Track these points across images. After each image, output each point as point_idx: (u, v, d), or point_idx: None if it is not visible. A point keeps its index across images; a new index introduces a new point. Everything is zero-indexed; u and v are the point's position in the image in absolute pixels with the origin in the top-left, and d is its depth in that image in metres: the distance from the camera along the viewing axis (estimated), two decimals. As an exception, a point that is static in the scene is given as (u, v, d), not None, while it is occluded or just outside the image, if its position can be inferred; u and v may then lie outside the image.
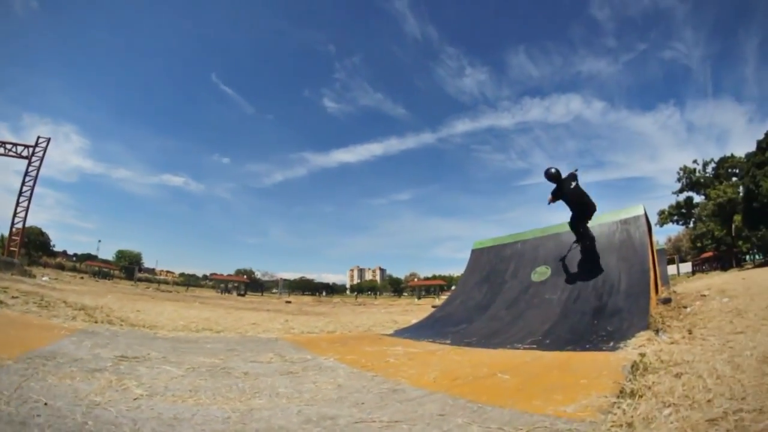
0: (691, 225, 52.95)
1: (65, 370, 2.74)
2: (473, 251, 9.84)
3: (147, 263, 75.79)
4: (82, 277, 42.67)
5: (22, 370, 2.59)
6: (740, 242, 47.22)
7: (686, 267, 48.64)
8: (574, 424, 1.97)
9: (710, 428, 1.79)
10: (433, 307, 10.59)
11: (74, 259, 66.52)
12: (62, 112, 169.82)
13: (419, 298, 58.25)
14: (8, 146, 37.62)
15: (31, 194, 37.87)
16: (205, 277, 76.30)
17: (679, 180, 49.00)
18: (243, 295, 48.63)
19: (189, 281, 66.47)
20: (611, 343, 4.24)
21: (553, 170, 7.16)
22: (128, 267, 61.83)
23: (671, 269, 35.62)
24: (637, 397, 2.32)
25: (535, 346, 4.76)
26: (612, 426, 1.94)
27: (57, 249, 67.26)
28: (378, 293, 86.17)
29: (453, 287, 10.69)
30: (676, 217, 51.01)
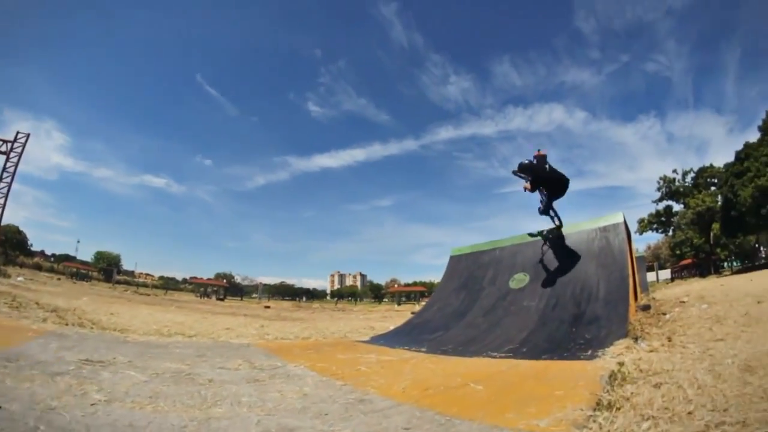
0: (671, 233, 54.23)
1: (25, 373, 2.72)
2: (451, 258, 9.83)
3: (126, 265, 74.22)
4: (59, 278, 41.19)
5: (-18, 372, 2.56)
6: (718, 249, 48.49)
7: (665, 274, 49.78)
8: (546, 440, 1.86)
9: (692, 444, 1.70)
10: (412, 313, 10.52)
11: (52, 259, 64.19)
12: (44, 107, 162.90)
13: (399, 304, 58.11)
14: (-15, 141, 36.42)
15: (9, 191, 36.66)
16: (184, 280, 74.46)
17: (658, 189, 50.12)
18: (222, 300, 47.91)
19: (168, 285, 64.59)
20: (589, 352, 4.18)
21: (525, 162, 7.34)
22: (106, 269, 60.26)
23: (650, 276, 36.30)
24: (614, 409, 2.22)
25: (511, 354, 4.70)
26: (587, 442, 1.83)
27: (35, 249, 65.42)
28: (358, 299, 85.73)
29: (433, 293, 10.67)
30: (655, 225, 52.06)
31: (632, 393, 2.48)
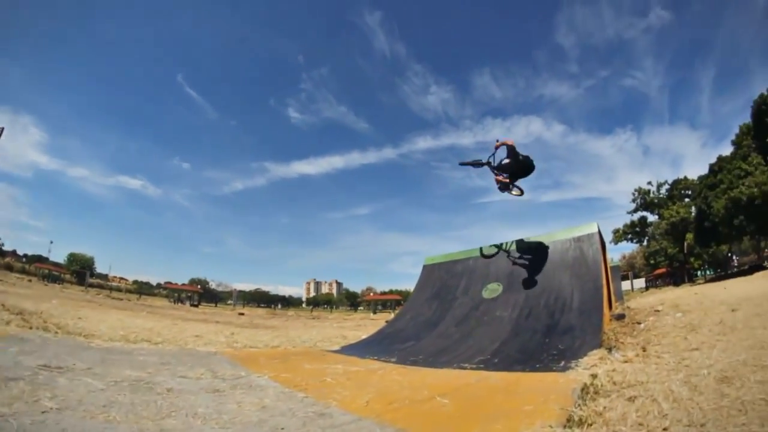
0: (645, 243, 55.54)
1: (-22, 378, 2.66)
2: (425, 267, 9.79)
3: (100, 268, 72.85)
4: (30, 280, 40.37)
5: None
6: (692, 259, 49.82)
7: (640, 282, 50.90)
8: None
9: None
10: (387, 322, 10.41)
11: (24, 260, 62.82)
12: (22, 101, 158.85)
13: (375, 312, 58.04)
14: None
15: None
16: (159, 285, 73.51)
17: (633, 200, 51.42)
18: (196, 306, 47.54)
19: (142, 289, 63.84)
20: (562, 363, 4.11)
21: (506, 161, 7.38)
22: (79, 272, 59.03)
23: (625, 285, 36.98)
24: (585, 425, 2.13)
25: (482, 365, 4.61)
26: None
27: (6, 248, 64.20)
28: (334, 307, 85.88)
29: (406, 303, 10.61)
30: (630, 236, 53.28)
31: (605, 407, 2.39)
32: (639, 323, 5.79)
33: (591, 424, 2.11)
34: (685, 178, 47.74)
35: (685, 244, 46.18)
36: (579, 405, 2.48)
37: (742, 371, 2.73)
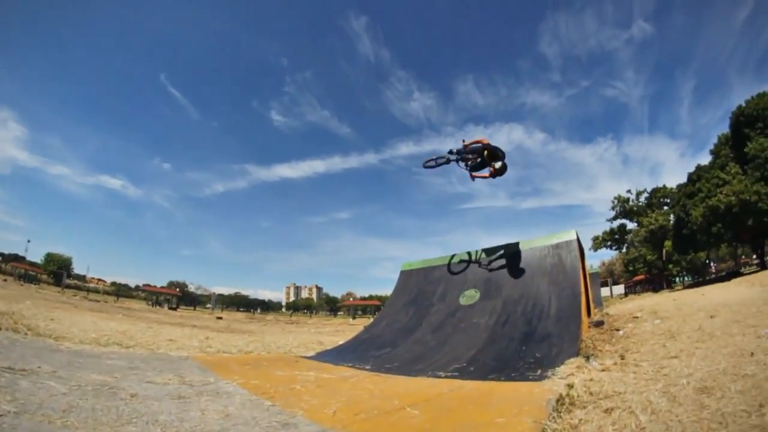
0: (624, 250, 56.36)
1: (-63, 381, 2.65)
2: (402, 272, 9.75)
3: (77, 269, 70.93)
4: (5, 280, 39.60)
5: None
6: (671, 266, 50.68)
7: (619, 289, 51.65)
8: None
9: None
10: (365, 327, 10.34)
11: (0, 259, 60.66)
12: (2, 95, 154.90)
13: (354, 317, 57.96)
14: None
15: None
16: (137, 287, 72.07)
17: (613, 208, 52.23)
18: (174, 309, 46.93)
19: (120, 291, 62.24)
20: (539, 371, 4.05)
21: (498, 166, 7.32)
22: (56, 272, 57.51)
23: (605, 291, 37.46)
24: None
25: (457, 374, 4.54)
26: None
27: None
28: (313, 312, 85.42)
29: (383, 308, 10.53)
30: (609, 243, 54.09)
31: (581, 420, 2.30)
32: (618, 330, 5.77)
33: (565, 439, 1.99)
34: (664, 186, 48.73)
35: (664, 251, 46.99)
36: (553, 417, 2.39)
37: (722, 380, 2.67)
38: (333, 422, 2.57)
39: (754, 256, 35.93)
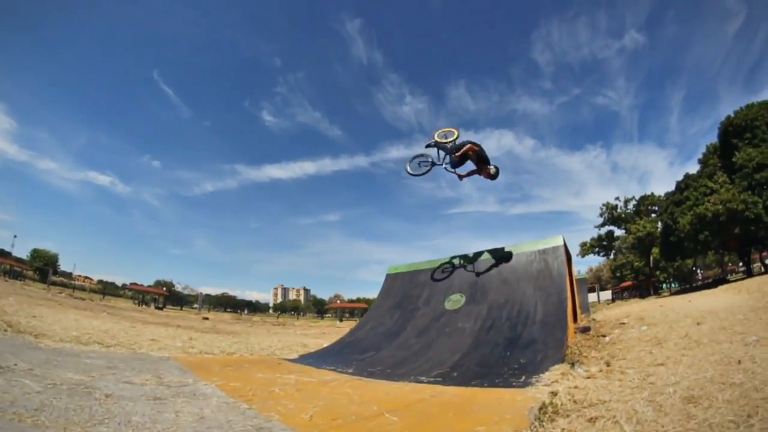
0: (612, 256, 56.84)
1: None
2: (388, 276, 9.72)
3: (64, 266, 70.91)
4: None
5: None
6: (658, 272, 51.22)
7: (606, 295, 52.15)
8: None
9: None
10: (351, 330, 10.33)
11: None
12: None
13: (341, 320, 57.66)
14: None
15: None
16: (124, 286, 71.53)
17: (601, 215, 52.60)
18: (161, 309, 46.18)
19: (107, 289, 61.56)
20: (522, 378, 3.98)
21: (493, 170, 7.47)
22: (42, 268, 56.88)
23: (592, 297, 37.66)
24: None
25: (440, 379, 4.48)
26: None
27: None
28: (301, 314, 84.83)
29: (368, 312, 10.51)
30: (597, 249, 54.46)
31: (563, 429, 2.23)
32: (604, 336, 5.74)
33: (546, 450, 1.91)
34: (652, 194, 49.22)
35: (651, 257, 47.51)
36: (535, 427, 2.32)
37: (709, 389, 2.61)
38: (309, 427, 2.52)
39: (741, 264, 36.38)
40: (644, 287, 48.64)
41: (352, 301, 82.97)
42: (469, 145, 7.46)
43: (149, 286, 67.11)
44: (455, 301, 7.24)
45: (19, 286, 31.29)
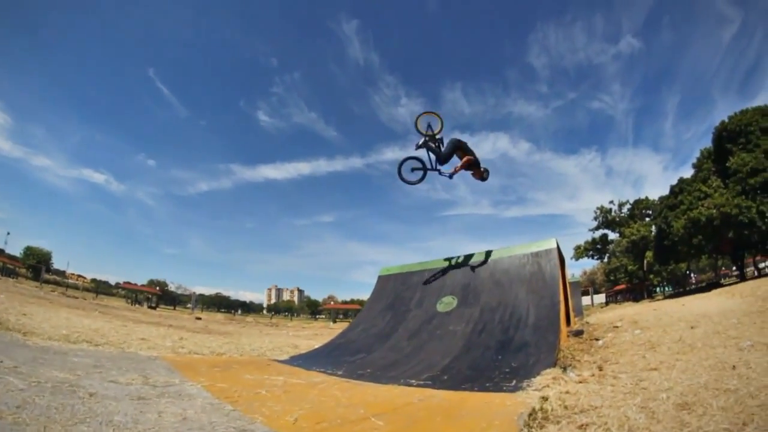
0: (606, 259, 57.01)
1: None
2: (380, 277, 9.69)
3: (57, 264, 70.38)
4: None
5: None
6: (651, 276, 51.47)
7: (600, 298, 52.24)
8: None
9: None
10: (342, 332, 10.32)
11: None
12: None
13: (334, 321, 57.59)
14: None
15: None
16: (117, 285, 71.34)
17: (595, 218, 52.85)
18: (154, 308, 46.10)
19: (100, 288, 61.23)
20: (513, 382, 3.93)
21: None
22: (35, 266, 56.67)
23: (585, 300, 37.75)
24: None
25: (430, 382, 4.43)
26: None
27: None
28: (294, 315, 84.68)
29: (359, 313, 10.49)
30: (591, 252, 54.65)
31: None
32: (597, 340, 5.69)
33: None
34: (646, 198, 49.48)
35: (645, 261, 47.69)
36: (524, 434, 2.22)
37: (703, 395, 2.56)
38: (292, 430, 2.50)
39: (734, 268, 36.60)
40: (638, 291, 48.89)
41: (345, 302, 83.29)
42: (466, 158, 7.60)
43: (142, 286, 67.37)
44: (447, 303, 7.19)
45: (12, 284, 31.07)
